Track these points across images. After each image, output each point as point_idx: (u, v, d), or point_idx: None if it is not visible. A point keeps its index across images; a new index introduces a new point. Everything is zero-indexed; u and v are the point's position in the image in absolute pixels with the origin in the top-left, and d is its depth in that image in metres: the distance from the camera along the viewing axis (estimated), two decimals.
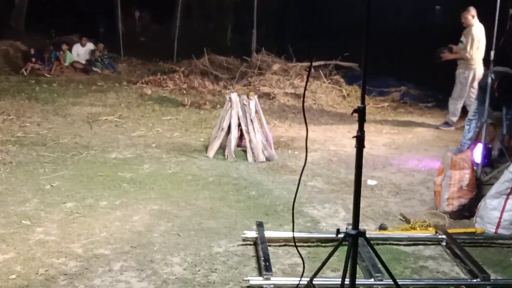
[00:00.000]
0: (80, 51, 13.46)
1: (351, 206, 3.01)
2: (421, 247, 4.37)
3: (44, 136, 7.11)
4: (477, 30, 8.18)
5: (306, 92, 10.60)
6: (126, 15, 20.41)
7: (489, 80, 5.99)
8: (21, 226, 4.36)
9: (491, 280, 3.72)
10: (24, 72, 12.21)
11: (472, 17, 8.20)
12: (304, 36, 16.16)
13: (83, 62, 13.22)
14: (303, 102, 3.12)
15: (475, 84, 8.04)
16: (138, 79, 11.68)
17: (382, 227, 4.66)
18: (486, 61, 6.03)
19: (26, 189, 5.19)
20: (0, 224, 4.40)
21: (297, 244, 4.17)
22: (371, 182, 5.88)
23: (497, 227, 4.62)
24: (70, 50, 13.35)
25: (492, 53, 5.82)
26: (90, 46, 13.59)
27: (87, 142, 6.91)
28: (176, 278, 3.66)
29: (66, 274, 3.64)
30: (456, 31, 8.55)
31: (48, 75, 12.17)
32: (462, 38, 8.33)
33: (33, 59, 12.74)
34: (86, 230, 4.35)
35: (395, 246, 4.35)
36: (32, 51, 13.04)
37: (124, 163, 6.16)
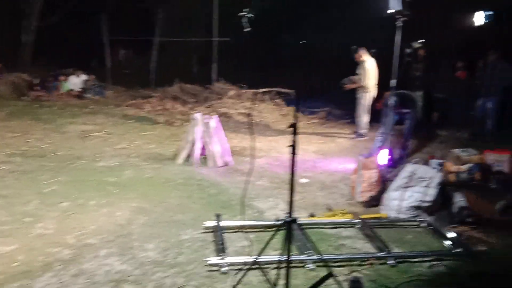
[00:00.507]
0: (76, 81, 13.12)
1: (293, 200, 3.03)
2: (341, 229, 4.43)
3: (44, 150, 6.86)
4: (369, 64, 8.51)
5: (255, 111, 10.67)
6: (113, 52, 20.11)
7: (391, 102, 6.15)
8: (24, 223, 4.21)
9: (393, 253, 3.83)
10: (27, 98, 11.78)
11: (362, 56, 8.55)
12: (256, 68, 16.28)
13: (78, 90, 12.88)
14: (250, 120, 3.11)
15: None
16: (122, 103, 11.46)
17: (311, 215, 4.71)
18: (388, 86, 6.17)
19: (29, 192, 5.00)
20: (6, 221, 4.23)
21: (246, 230, 4.21)
22: (303, 180, 5.94)
23: (398, 212, 4.75)
24: (66, 80, 13.04)
25: (393, 81, 5.96)
26: (83, 77, 13.28)
27: (79, 154, 6.71)
28: (150, 261, 3.61)
29: (61, 260, 3.53)
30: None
31: (49, 101, 11.79)
32: (358, 71, 8.62)
33: (37, 88, 12.37)
34: (78, 224, 4.23)
35: (321, 229, 4.40)
36: (36, 81, 12.68)
37: (109, 170, 6.02)
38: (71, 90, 12.86)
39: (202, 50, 19.08)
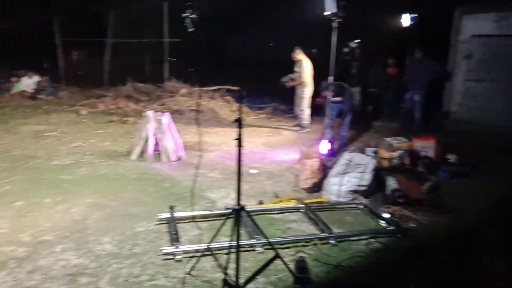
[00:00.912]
0: (28, 82, 12.46)
1: (241, 190, 3.04)
2: (287, 214, 4.50)
3: None
4: (306, 63, 8.70)
5: (206, 108, 10.58)
6: (66, 54, 19.28)
7: (329, 98, 6.28)
8: None
9: (334, 233, 3.93)
10: None
11: (298, 55, 8.80)
12: (206, 68, 16.13)
13: (31, 91, 12.25)
14: (198, 116, 3.08)
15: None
16: (76, 103, 11.00)
17: (260, 202, 4.74)
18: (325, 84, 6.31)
19: None
20: None
21: (199, 219, 4.18)
22: (252, 171, 5.98)
23: (337, 196, 4.87)
24: (18, 81, 12.37)
25: (330, 77, 6.09)
26: (36, 78, 12.64)
27: (33, 153, 6.41)
28: (106, 253, 3.51)
29: (15, 259, 3.37)
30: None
31: (1, 102, 11.14)
32: (296, 69, 8.80)
33: None
34: (33, 222, 4.04)
35: (269, 215, 4.45)
36: None
37: (64, 168, 5.78)
38: (24, 91, 12.23)
39: (154, 50, 18.70)
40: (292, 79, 8.96)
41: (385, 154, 6.36)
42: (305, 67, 8.72)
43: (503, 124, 8.85)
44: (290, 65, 9.16)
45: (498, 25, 9.06)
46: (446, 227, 4.32)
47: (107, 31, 15.52)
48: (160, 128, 6.31)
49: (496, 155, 7.01)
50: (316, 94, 9.00)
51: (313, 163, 5.20)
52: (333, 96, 6.49)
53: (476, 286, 2.51)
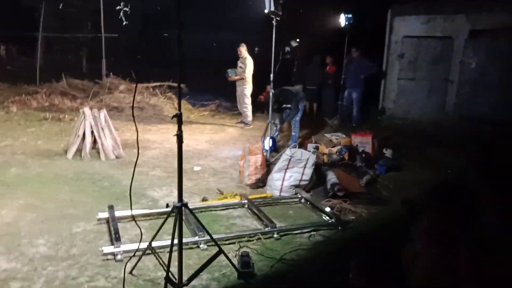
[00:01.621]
0: None
1: (182, 187, 2.98)
2: (231, 210, 4.51)
3: None
4: (249, 60, 8.79)
5: (147, 105, 10.31)
6: None
7: (271, 95, 6.36)
8: None
9: (277, 227, 3.98)
10: None
11: (245, 51, 8.85)
12: (145, 63, 15.70)
13: None
14: (133, 113, 3.00)
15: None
16: (4, 100, 10.25)
17: (204, 199, 4.72)
18: (267, 80, 6.39)
19: None
20: None
21: (141, 218, 4.08)
22: (196, 168, 5.92)
23: (280, 191, 4.95)
24: None
25: (272, 75, 6.17)
26: None
27: None
28: (41, 256, 3.33)
29: None
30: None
31: None
32: (240, 65, 8.86)
33: None
34: None
35: (213, 212, 4.44)
36: None
37: None
38: None
39: (90, 46, 17.95)
40: (235, 74, 8.98)
41: (325, 149, 6.56)
42: (248, 65, 8.77)
43: (430, 119, 9.47)
44: (232, 63, 9.16)
45: (427, 26, 9.64)
46: (382, 218, 4.52)
47: (38, 25, 14.63)
48: (97, 126, 6.07)
49: (425, 147, 7.46)
50: (259, 91, 9.09)
51: (257, 159, 5.24)
52: (283, 103, 6.63)
53: (406, 268, 2.68)
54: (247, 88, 8.88)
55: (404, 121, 9.84)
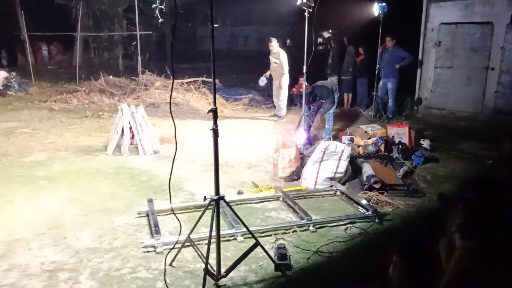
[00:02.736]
0: None
1: (219, 180, 3.04)
2: (266, 203, 4.53)
3: None
4: (283, 53, 8.83)
5: (182, 101, 10.47)
6: (35, 48, 18.73)
7: (304, 88, 6.32)
8: None
9: (313, 220, 3.98)
10: None
11: (277, 45, 8.88)
12: (179, 60, 15.93)
13: (1, 86, 11.83)
14: (170, 107, 3.05)
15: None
16: (47, 98, 10.69)
17: (240, 192, 4.76)
18: (300, 73, 6.36)
19: None
20: None
21: (179, 211, 4.17)
22: (231, 161, 5.94)
23: (315, 184, 4.93)
24: None
25: (304, 67, 6.12)
26: (3, 74, 12.19)
27: (5, 151, 6.21)
28: (86, 248, 3.47)
29: None
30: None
31: None
32: (275, 60, 8.89)
33: None
34: (7, 220, 3.94)
35: (249, 204, 4.47)
36: None
37: (38, 164, 5.63)
38: None
39: (126, 44, 18.40)
40: (268, 77, 9.03)
41: (360, 141, 6.47)
42: (283, 59, 8.75)
43: (468, 109, 9.16)
44: (263, 56, 9.17)
45: (464, 13, 9.28)
46: (420, 210, 4.43)
47: (76, 24, 15.11)
48: (135, 122, 6.22)
49: (463, 139, 7.24)
50: (292, 84, 9.06)
51: (291, 152, 5.24)
52: (319, 99, 6.60)
53: (442, 259, 2.64)
54: (284, 81, 8.86)
55: (441, 111, 9.56)
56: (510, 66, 8.89)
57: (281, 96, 8.98)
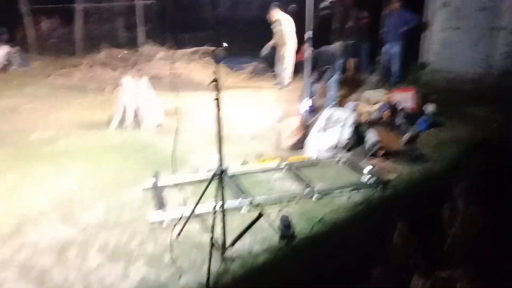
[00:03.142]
0: None
1: (222, 152, 3.04)
2: (270, 173, 4.54)
3: None
4: (283, 20, 8.56)
5: (185, 71, 10.38)
6: (35, 23, 18.51)
7: (308, 55, 6.20)
8: None
9: (316, 189, 4.00)
10: None
11: (274, 15, 8.60)
12: (181, 29, 15.67)
13: (1, 62, 11.78)
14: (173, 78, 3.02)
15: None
16: (51, 73, 10.63)
17: (244, 163, 4.77)
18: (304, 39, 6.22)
19: None
20: None
21: (184, 184, 4.20)
22: (235, 132, 5.92)
23: (319, 152, 4.92)
24: None
25: (308, 32, 5.98)
26: (5, 49, 12.12)
27: (10, 128, 6.20)
28: (94, 224, 3.53)
29: (1, 235, 3.35)
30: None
31: None
32: (274, 29, 8.67)
33: None
34: (15, 198, 4.00)
35: (253, 175, 4.49)
36: None
37: (42, 141, 5.61)
38: None
39: (126, 14, 18.09)
40: (270, 46, 8.86)
41: (364, 108, 6.42)
42: (284, 27, 8.53)
43: (477, 71, 8.97)
44: (267, 23, 8.97)
45: None
46: (423, 176, 4.43)
47: None
48: (139, 95, 6.20)
49: (469, 103, 7.14)
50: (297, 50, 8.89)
51: (295, 121, 5.21)
52: (323, 65, 6.50)
53: (445, 225, 2.67)
54: (287, 50, 8.69)
55: (448, 74, 9.38)
56: None
57: (285, 64, 8.84)
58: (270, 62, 10.59)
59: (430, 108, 6.28)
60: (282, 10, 8.76)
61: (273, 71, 10.16)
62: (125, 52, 11.76)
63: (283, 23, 8.54)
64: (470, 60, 9.18)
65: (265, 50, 8.94)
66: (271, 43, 8.94)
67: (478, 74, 8.95)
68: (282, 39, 8.59)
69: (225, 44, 3.17)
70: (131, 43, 12.50)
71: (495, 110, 6.35)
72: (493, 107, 6.53)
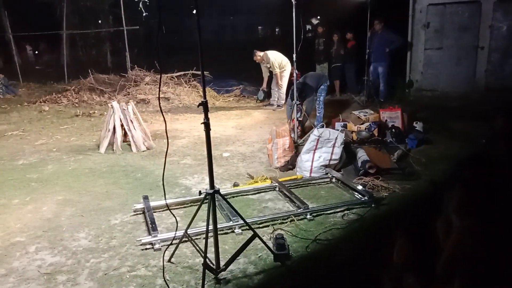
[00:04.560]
0: None
1: (213, 174, 3.01)
2: (263, 194, 4.52)
3: None
4: (269, 55, 8.85)
5: (173, 95, 10.41)
6: (20, 49, 18.48)
7: (294, 77, 6.29)
8: None
9: (310, 208, 3.98)
10: None
11: (259, 56, 8.97)
12: (165, 53, 15.78)
13: None
14: (159, 102, 3.02)
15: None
16: (37, 99, 10.57)
17: (235, 184, 4.74)
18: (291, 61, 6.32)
19: None
20: None
21: (175, 207, 4.15)
22: (225, 154, 5.95)
23: (310, 172, 4.92)
24: None
25: (294, 55, 6.08)
26: None
27: None
28: (83, 249, 3.44)
29: None
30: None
31: None
32: (266, 65, 9.01)
33: None
34: (2, 224, 3.90)
35: (245, 196, 4.46)
36: None
37: (30, 167, 5.58)
38: None
39: (113, 40, 18.22)
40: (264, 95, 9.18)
41: (353, 127, 6.47)
42: (273, 57, 8.74)
43: (459, 89, 9.19)
44: (252, 46, 9.13)
45: None
46: (416, 193, 4.44)
47: (61, 22, 14.87)
48: (127, 119, 6.18)
49: (456, 119, 7.26)
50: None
51: (285, 142, 5.22)
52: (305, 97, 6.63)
53: (440, 240, 2.64)
54: (283, 73, 8.86)
55: (433, 93, 9.58)
56: (499, 44, 8.91)
57: (282, 86, 8.98)
58: (257, 84, 10.69)
59: (418, 126, 6.35)
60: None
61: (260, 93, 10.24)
62: (113, 77, 11.75)
63: (270, 55, 8.76)
64: (454, 78, 9.41)
65: (261, 95, 9.15)
66: (264, 84, 9.17)
67: (463, 91, 9.15)
68: (278, 68, 8.76)
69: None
70: (118, 68, 12.51)
71: (481, 126, 6.43)
72: (480, 123, 6.61)
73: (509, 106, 6.52)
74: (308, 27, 12.09)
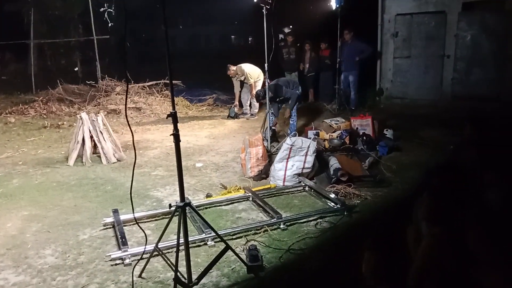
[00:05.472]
0: None
1: (184, 185, 2.97)
2: (236, 204, 4.48)
3: None
4: (243, 68, 8.89)
5: (144, 105, 10.27)
6: None
7: (267, 86, 6.31)
8: None
9: (283, 218, 3.97)
10: None
11: (233, 70, 9.02)
12: (135, 62, 15.63)
13: None
14: (126, 113, 2.96)
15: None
16: (2, 111, 10.18)
17: (208, 195, 4.69)
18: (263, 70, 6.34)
19: None
20: None
21: (146, 220, 4.07)
22: (198, 164, 5.89)
23: (284, 181, 4.92)
24: None
25: (266, 65, 6.10)
26: None
27: None
28: (49, 267, 3.32)
29: None
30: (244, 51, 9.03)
31: None
32: (240, 78, 9.05)
33: None
34: None
35: (218, 207, 4.42)
36: None
37: None
38: None
39: (83, 49, 17.87)
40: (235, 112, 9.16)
41: (325, 135, 6.52)
42: (247, 71, 8.77)
43: (428, 97, 9.45)
44: (227, 55, 9.14)
45: (418, 3, 9.54)
46: (387, 200, 4.50)
47: (29, 31, 14.49)
48: (96, 130, 6.04)
49: (425, 127, 7.43)
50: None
51: (257, 151, 5.21)
52: (276, 97, 6.62)
53: (410, 248, 2.66)
54: (257, 88, 8.89)
55: (402, 100, 9.79)
56: (464, 53, 9.19)
57: (250, 95, 9.01)
58: (230, 94, 10.68)
59: (388, 133, 6.46)
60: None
61: (233, 102, 10.24)
62: (82, 87, 11.51)
63: (244, 67, 8.83)
64: (423, 86, 9.65)
65: (232, 111, 9.15)
66: (236, 102, 9.20)
67: (430, 99, 9.39)
68: (251, 78, 8.79)
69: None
70: (89, 78, 12.26)
71: (449, 133, 6.60)
72: (447, 130, 6.79)
73: (475, 114, 6.72)
74: (281, 36, 12.19)
